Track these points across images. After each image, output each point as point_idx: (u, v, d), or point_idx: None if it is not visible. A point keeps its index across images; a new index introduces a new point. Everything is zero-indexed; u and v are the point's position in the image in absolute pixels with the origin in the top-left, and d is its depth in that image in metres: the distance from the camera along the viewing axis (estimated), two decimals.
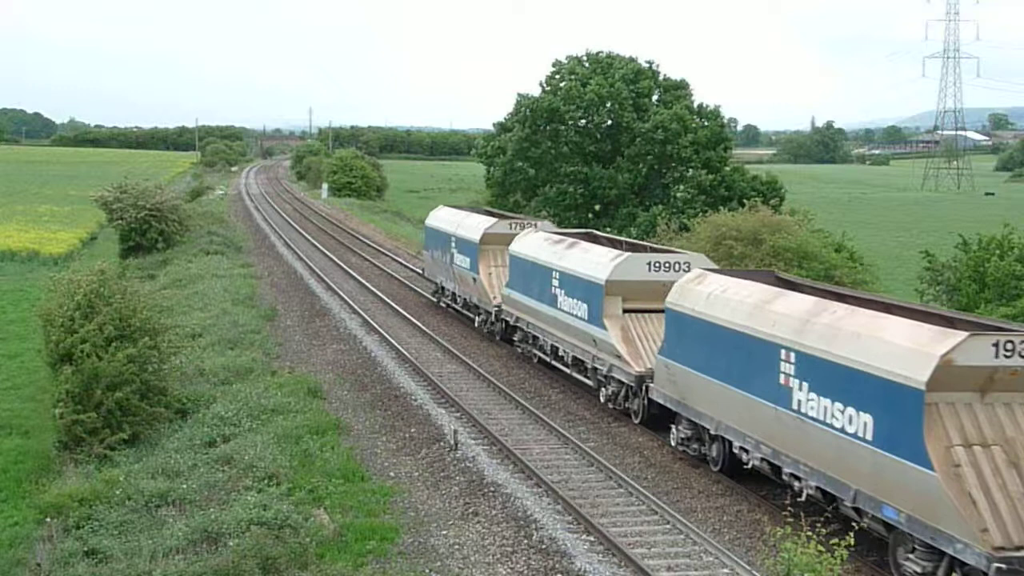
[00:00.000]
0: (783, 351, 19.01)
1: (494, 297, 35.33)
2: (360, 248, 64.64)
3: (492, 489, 21.38)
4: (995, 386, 15.85)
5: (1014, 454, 15.44)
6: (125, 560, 17.92)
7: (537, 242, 32.04)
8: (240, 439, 24.22)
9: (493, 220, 37.91)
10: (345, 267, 54.59)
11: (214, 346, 34.26)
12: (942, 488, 15.21)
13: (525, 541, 18.87)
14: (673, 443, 23.72)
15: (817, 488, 18.48)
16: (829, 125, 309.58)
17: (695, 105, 67.34)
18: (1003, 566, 14.50)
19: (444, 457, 23.80)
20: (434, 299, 43.52)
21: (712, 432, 21.91)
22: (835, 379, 17.60)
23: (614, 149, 67.10)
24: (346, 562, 18.13)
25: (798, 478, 18.99)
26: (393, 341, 35.10)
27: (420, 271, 53.27)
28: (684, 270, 25.45)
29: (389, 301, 43.46)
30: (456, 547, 18.97)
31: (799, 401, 18.59)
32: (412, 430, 26.12)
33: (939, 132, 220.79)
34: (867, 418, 16.85)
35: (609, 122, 67.23)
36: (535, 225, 36.07)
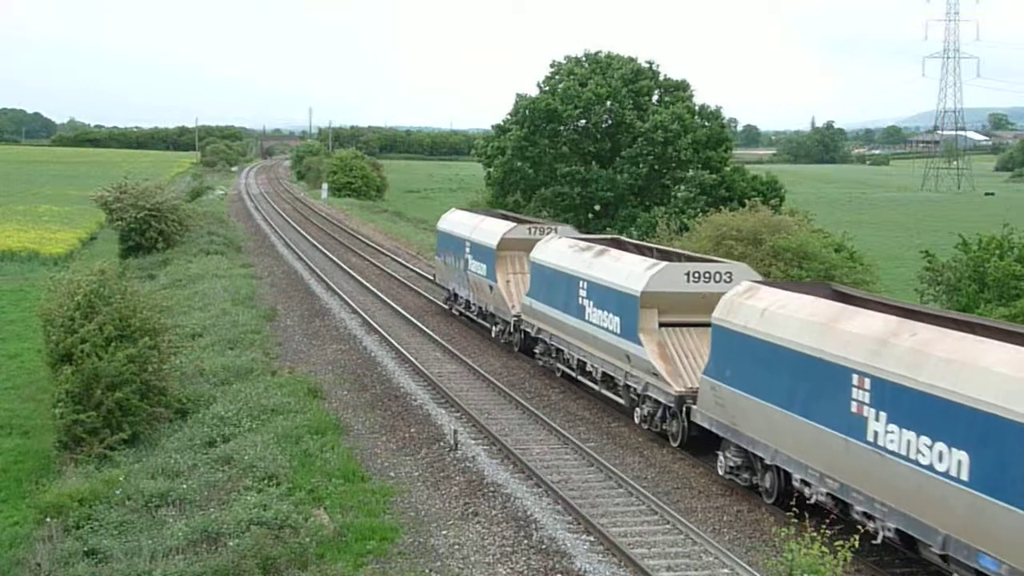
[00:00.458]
0: (855, 376, 17.21)
1: (513, 306, 33.74)
2: (360, 248, 64.65)
3: (492, 489, 21.38)
4: None
5: None
6: (125, 560, 17.91)
7: (562, 249, 30.32)
8: (240, 439, 24.21)
9: (511, 224, 36.03)
10: (345, 267, 54.60)
11: (214, 346, 34.25)
12: None
13: (525, 541, 18.86)
14: (721, 472, 21.78)
15: (896, 530, 16.74)
16: (829, 125, 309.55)
17: (695, 106, 67.34)
18: None
19: (444, 457, 23.80)
20: (445, 306, 41.88)
21: (767, 461, 20.06)
22: (921, 410, 15.80)
23: (613, 149, 67.08)
24: (346, 562, 18.13)
25: (872, 517, 17.16)
26: (393, 341, 35.09)
27: (419, 271, 53.36)
28: (725, 280, 24.03)
29: (389, 301, 43.45)
30: (456, 547, 18.97)
31: (875, 433, 16.76)
32: (412, 430, 26.13)
33: (939, 132, 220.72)
34: (961, 456, 15.06)
35: (609, 121, 67.22)
36: (555, 230, 34.49)
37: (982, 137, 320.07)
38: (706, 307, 22.68)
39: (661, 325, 24.66)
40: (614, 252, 28.02)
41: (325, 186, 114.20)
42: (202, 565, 17.32)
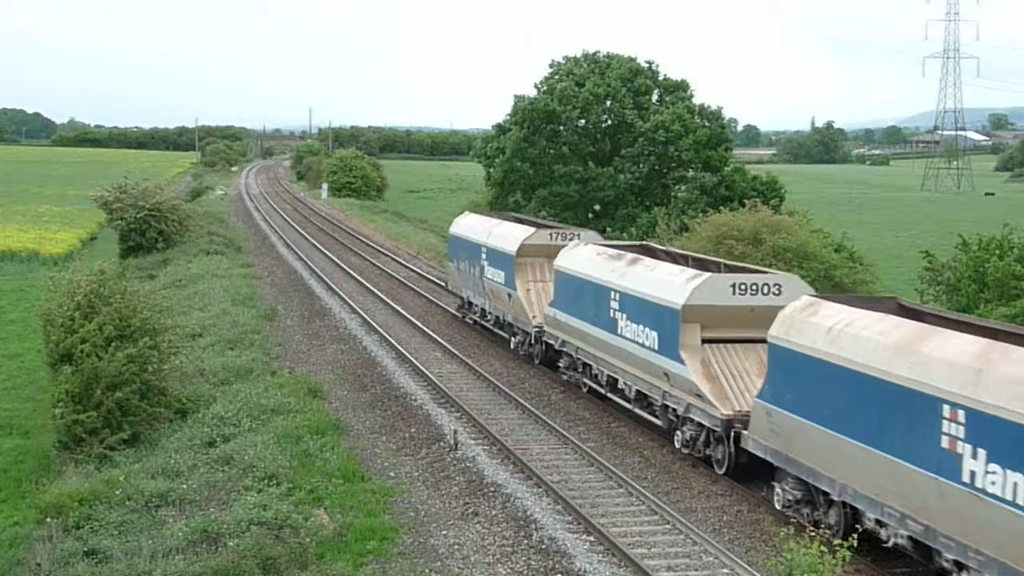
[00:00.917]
0: (946, 407, 15.32)
1: (534, 316, 31.89)
2: (360, 248, 64.65)
3: (492, 489, 21.39)
4: None
5: None
6: (125, 560, 17.92)
7: (589, 256, 28.54)
8: (240, 439, 24.22)
9: (530, 229, 33.96)
10: (345, 267, 54.60)
11: (214, 346, 34.27)
12: None
13: (525, 541, 18.87)
14: (778, 505, 19.85)
15: None
16: (829, 125, 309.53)
17: (696, 106, 67.37)
18: None
19: (444, 457, 23.80)
20: (458, 315, 40.00)
21: (832, 497, 18.28)
22: None
23: (613, 149, 67.12)
24: (346, 562, 18.15)
25: (965, 567, 15.37)
26: (393, 341, 35.09)
27: (419, 271, 53.37)
28: (774, 293, 22.42)
29: (389, 301, 43.44)
30: (456, 547, 18.98)
31: (972, 473, 14.89)
32: (412, 430, 26.13)
33: (939, 132, 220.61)
34: None
35: (609, 121, 67.24)
36: (578, 235, 32.75)
37: (982, 137, 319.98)
38: (753, 322, 21.55)
39: (704, 341, 22.85)
40: (649, 261, 26.32)
41: (325, 186, 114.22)
42: (202, 565, 17.33)
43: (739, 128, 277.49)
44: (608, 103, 66.32)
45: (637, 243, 32.39)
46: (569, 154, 67.56)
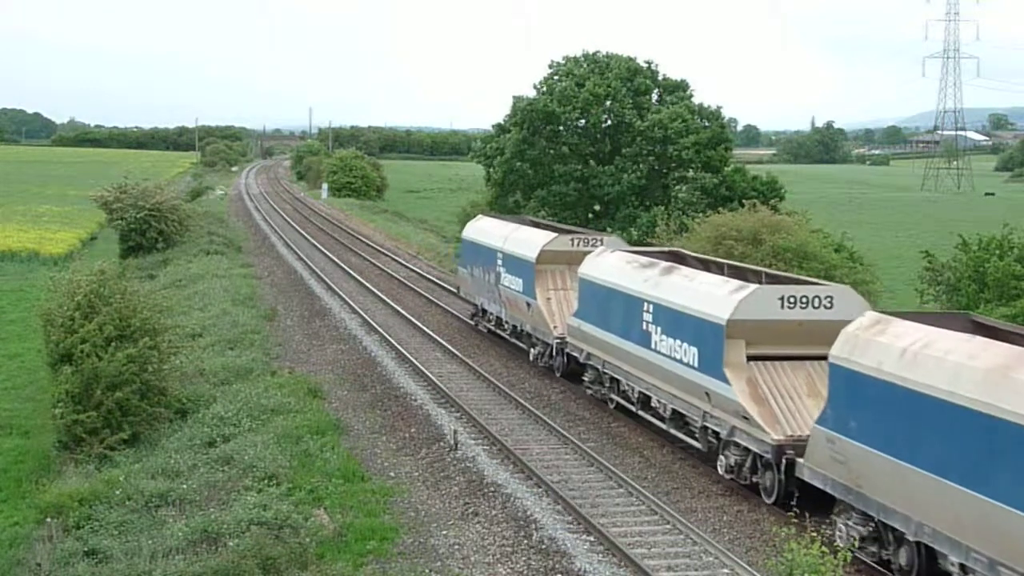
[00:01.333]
0: None
1: (555, 327, 30.37)
2: (360, 248, 64.67)
3: (492, 489, 21.39)
4: None
5: None
6: (125, 560, 17.93)
7: (618, 264, 26.92)
8: (240, 439, 24.24)
9: (551, 235, 32.37)
10: (345, 267, 54.61)
11: (214, 346, 34.29)
12: None
13: (525, 541, 18.88)
14: (841, 543, 17.72)
15: None
16: (829, 125, 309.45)
17: (695, 105, 67.33)
18: None
19: (444, 457, 23.81)
20: (471, 322, 38.55)
21: (907, 536, 16.57)
22: None
23: (613, 149, 67.11)
24: (346, 562, 18.15)
25: None
26: (393, 341, 35.10)
27: (419, 271, 53.39)
28: (826, 306, 20.91)
29: (389, 301, 43.45)
30: (456, 547, 18.99)
31: None
32: (412, 430, 26.14)
33: (939, 132, 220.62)
34: None
35: (609, 121, 67.22)
36: (602, 241, 31.24)
37: (982, 137, 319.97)
38: (801, 337, 20.51)
39: (749, 359, 21.19)
40: (685, 270, 24.62)
41: (325, 186, 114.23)
42: (202, 565, 17.34)
43: (739, 128, 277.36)
44: (608, 103, 66.29)
45: (667, 250, 30.02)
46: (569, 154, 67.54)
